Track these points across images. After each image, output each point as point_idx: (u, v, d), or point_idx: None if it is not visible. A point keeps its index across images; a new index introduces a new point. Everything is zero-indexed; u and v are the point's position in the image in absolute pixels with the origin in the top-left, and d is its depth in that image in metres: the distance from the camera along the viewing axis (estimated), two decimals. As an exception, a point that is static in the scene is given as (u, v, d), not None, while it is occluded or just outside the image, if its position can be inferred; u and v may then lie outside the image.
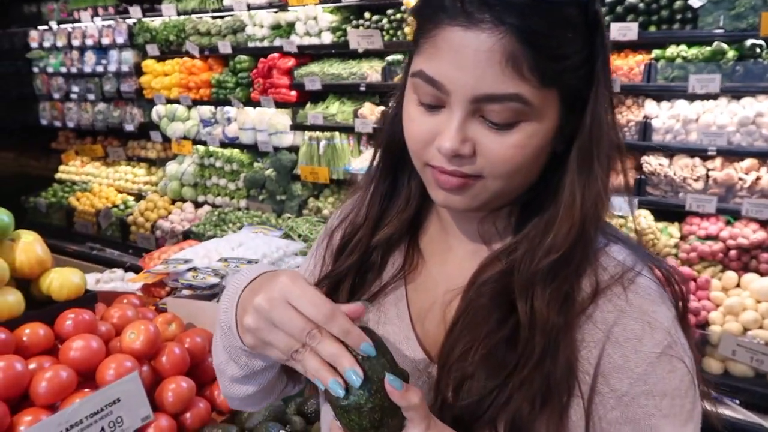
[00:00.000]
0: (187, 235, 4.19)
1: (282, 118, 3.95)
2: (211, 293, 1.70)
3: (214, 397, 1.44)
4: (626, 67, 2.89)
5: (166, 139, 4.56)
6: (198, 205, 4.54)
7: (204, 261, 1.72)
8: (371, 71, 3.51)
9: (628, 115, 2.93)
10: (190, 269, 1.72)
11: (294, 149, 3.98)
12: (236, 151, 4.33)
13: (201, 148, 4.43)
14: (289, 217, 3.84)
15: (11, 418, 1.15)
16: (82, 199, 4.85)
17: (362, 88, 3.49)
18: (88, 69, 4.67)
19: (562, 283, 0.64)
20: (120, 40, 4.42)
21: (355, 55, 3.64)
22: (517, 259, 0.66)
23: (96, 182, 5.03)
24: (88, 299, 1.44)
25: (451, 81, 0.58)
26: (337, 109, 3.68)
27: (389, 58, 3.46)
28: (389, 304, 0.77)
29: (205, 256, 1.75)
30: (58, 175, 5.29)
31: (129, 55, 4.44)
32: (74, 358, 1.27)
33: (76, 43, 4.70)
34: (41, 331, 1.30)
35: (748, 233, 2.70)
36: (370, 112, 3.49)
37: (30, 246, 1.38)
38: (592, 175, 0.63)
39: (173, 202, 4.64)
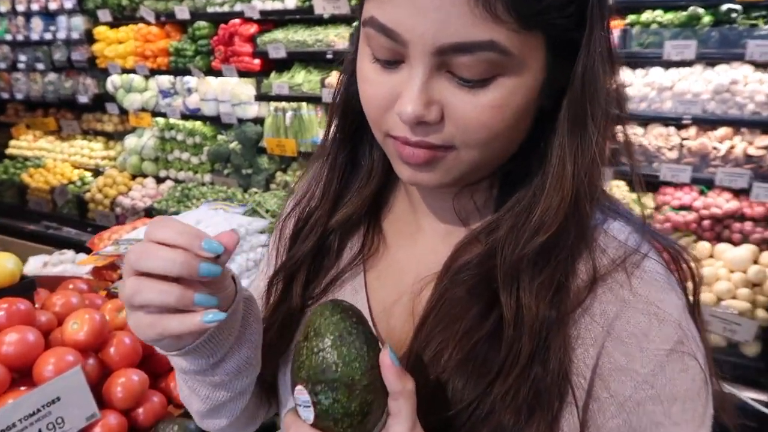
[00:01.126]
0: (150, 212, 4.02)
1: (245, 88, 3.77)
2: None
3: (170, 389, 1.33)
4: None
5: (123, 112, 4.33)
6: (160, 180, 4.35)
7: (157, 241, 1.59)
8: (338, 38, 3.35)
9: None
10: (142, 251, 1.58)
11: (259, 121, 3.81)
12: (198, 124, 4.13)
13: (161, 120, 4.22)
14: (255, 192, 3.70)
15: (-67, 424, 1.03)
16: (35, 176, 4.61)
17: (329, 56, 3.33)
18: (35, 36, 4.38)
19: (554, 270, 0.53)
20: (68, 4, 4.14)
21: (321, 21, 3.47)
22: (499, 239, 0.55)
23: (50, 157, 4.78)
24: (24, 287, 1.30)
25: (408, 29, 0.47)
26: (303, 78, 3.52)
27: (357, 23, 3.31)
28: (345, 296, 0.66)
29: (158, 236, 1.62)
30: (8, 151, 5.01)
31: (79, 21, 4.17)
32: (7, 354, 1.14)
33: (20, 8, 4.39)
34: (-31, 324, 1.16)
35: (721, 203, 2.67)
36: (338, 82, 3.34)
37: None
38: (586, 137, 0.52)
39: (133, 177, 4.44)
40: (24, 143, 4.99)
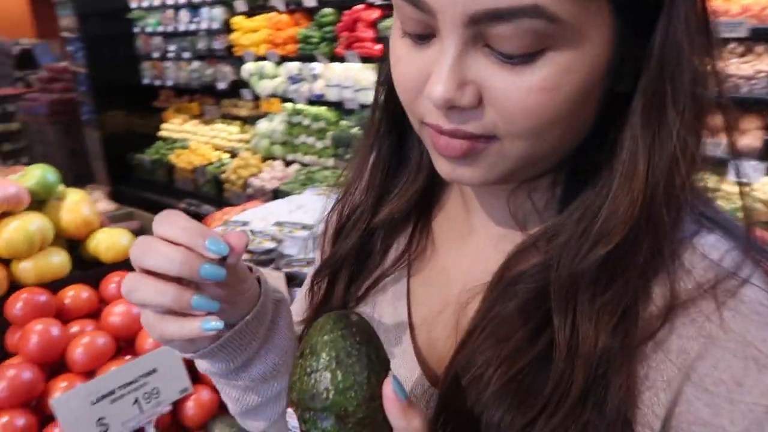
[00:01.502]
0: (276, 194, 4.21)
1: (367, 74, 3.78)
2: (267, 258, 1.60)
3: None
4: (757, 6, 2.43)
5: (256, 97, 4.57)
6: (288, 163, 4.54)
7: (262, 224, 1.63)
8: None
9: (758, 65, 2.47)
10: (247, 232, 1.63)
11: (380, 106, 3.82)
12: (323, 109, 4.24)
13: (289, 105, 4.39)
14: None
15: (45, 384, 1.13)
16: (181, 156, 5.02)
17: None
18: (182, 27, 4.75)
19: (620, 292, 0.43)
20: (210, -3, 4.43)
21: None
22: (557, 248, 0.46)
23: (194, 140, 5.18)
24: (136, 262, 1.39)
25: None
26: (423, 62, 3.46)
27: None
28: (386, 302, 0.60)
29: (263, 219, 1.66)
30: (160, 133, 5.51)
31: (219, 12, 4.45)
32: (114, 324, 1.22)
33: (170, 1, 4.77)
34: (84, 294, 1.26)
35: None
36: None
37: (77, 206, 1.35)
38: (664, 128, 0.41)
39: (264, 160, 4.68)
40: (173, 126, 5.45)
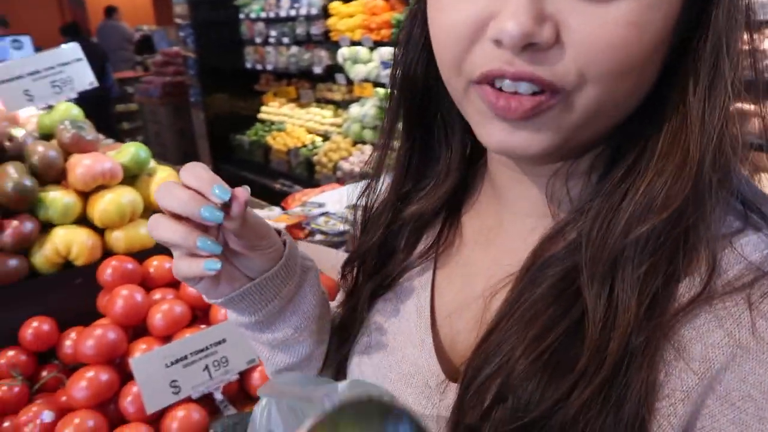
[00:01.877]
0: (364, 178, 4.28)
1: (459, 59, 3.74)
2: (340, 240, 1.64)
3: (325, 348, 1.39)
4: None
5: (350, 82, 4.64)
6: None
7: (337, 206, 1.67)
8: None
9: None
10: (323, 214, 1.68)
11: (470, 92, 3.76)
12: (414, 94, 4.24)
13: (381, 90, 4.42)
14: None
15: (128, 345, 1.22)
16: (277, 138, 5.22)
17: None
18: (283, 13, 4.90)
19: (660, 267, 0.41)
20: (310, -17, 4.54)
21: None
22: (588, 222, 0.44)
23: (290, 123, 5.37)
24: (215, 237, 1.47)
25: None
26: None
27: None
28: (409, 294, 0.59)
29: (338, 201, 1.69)
30: (260, 116, 5.75)
31: (317, -2, 4.55)
32: (191, 295, 1.30)
33: (272, -12, 4.94)
34: (167, 264, 1.35)
35: None
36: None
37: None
38: (715, 102, 0.38)
39: (354, 144, 4.76)
40: (272, 109, 5.67)
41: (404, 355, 0.57)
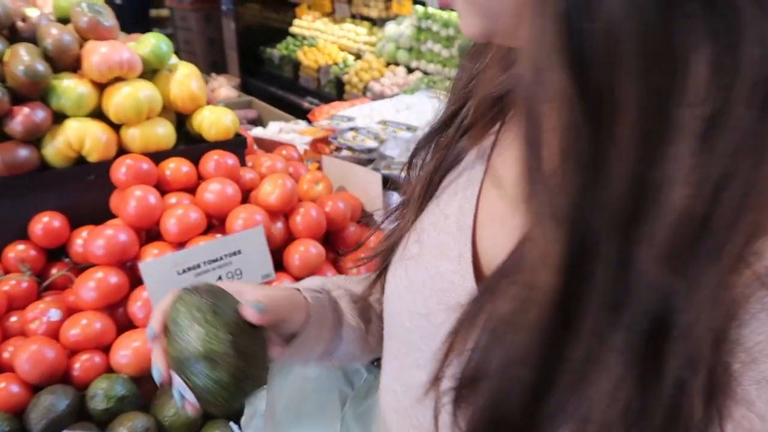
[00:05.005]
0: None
1: (508, -22, 3.48)
2: (368, 158, 1.54)
3: (345, 270, 1.33)
4: None
5: (388, -3, 4.39)
6: (410, 70, 4.39)
7: (367, 121, 1.56)
8: None
9: None
10: (351, 129, 1.57)
11: (516, 16, 3.52)
12: (455, 15, 3.99)
13: (420, 8, 4.18)
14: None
15: (139, 249, 1.16)
16: (308, 54, 5.03)
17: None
18: None
19: None
20: None
21: None
22: None
23: (322, 38, 5.15)
24: (237, 143, 1.38)
25: None
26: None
27: None
28: (453, 201, 0.53)
29: (368, 116, 1.58)
30: (292, 29, 5.53)
31: None
32: (207, 201, 1.23)
33: None
34: (184, 168, 1.27)
35: None
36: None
37: (186, 79, 1.34)
38: None
39: (387, 65, 4.56)
40: (305, 23, 5.44)
41: (439, 270, 0.51)
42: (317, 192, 1.42)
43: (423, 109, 1.51)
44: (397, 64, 4.49)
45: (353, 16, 5.00)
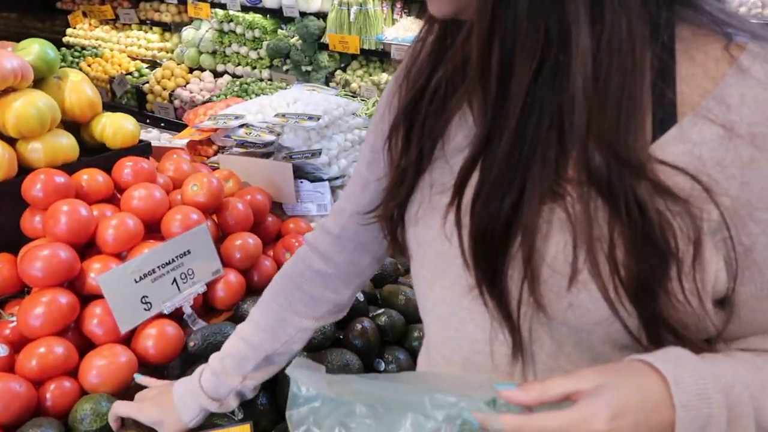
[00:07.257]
0: (207, 106, 4.03)
1: (310, -20, 3.64)
2: (266, 151, 1.59)
3: (280, 255, 1.38)
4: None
5: (182, 1, 4.26)
6: (217, 74, 4.33)
7: (257, 117, 1.60)
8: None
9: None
10: (242, 125, 1.60)
11: (322, 15, 3.71)
12: (258, 17, 4.05)
13: (220, 12, 4.14)
14: (316, 89, 3.66)
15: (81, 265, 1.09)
16: (93, 65, 4.62)
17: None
18: None
19: None
20: None
21: None
22: None
23: (107, 47, 4.77)
24: (143, 148, 1.34)
25: None
26: (371, -30, 3.38)
27: None
28: (441, 180, 0.58)
29: (258, 113, 1.62)
30: (66, 39, 5.01)
31: None
32: (137, 208, 1.18)
33: None
34: (100, 177, 1.21)
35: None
36: (409, -26, 3.20)
37: (78, 86, 1.26)
38: None
39: (191, 70, 4.43)
40: (81, 32, 4.98)
41: (435, 250, 0.57)
42: (230, 188, 1.44)
43: (312, 100, 1.60)
44: (201, 69, 4.38)
45: (143, 22, 4.73)
